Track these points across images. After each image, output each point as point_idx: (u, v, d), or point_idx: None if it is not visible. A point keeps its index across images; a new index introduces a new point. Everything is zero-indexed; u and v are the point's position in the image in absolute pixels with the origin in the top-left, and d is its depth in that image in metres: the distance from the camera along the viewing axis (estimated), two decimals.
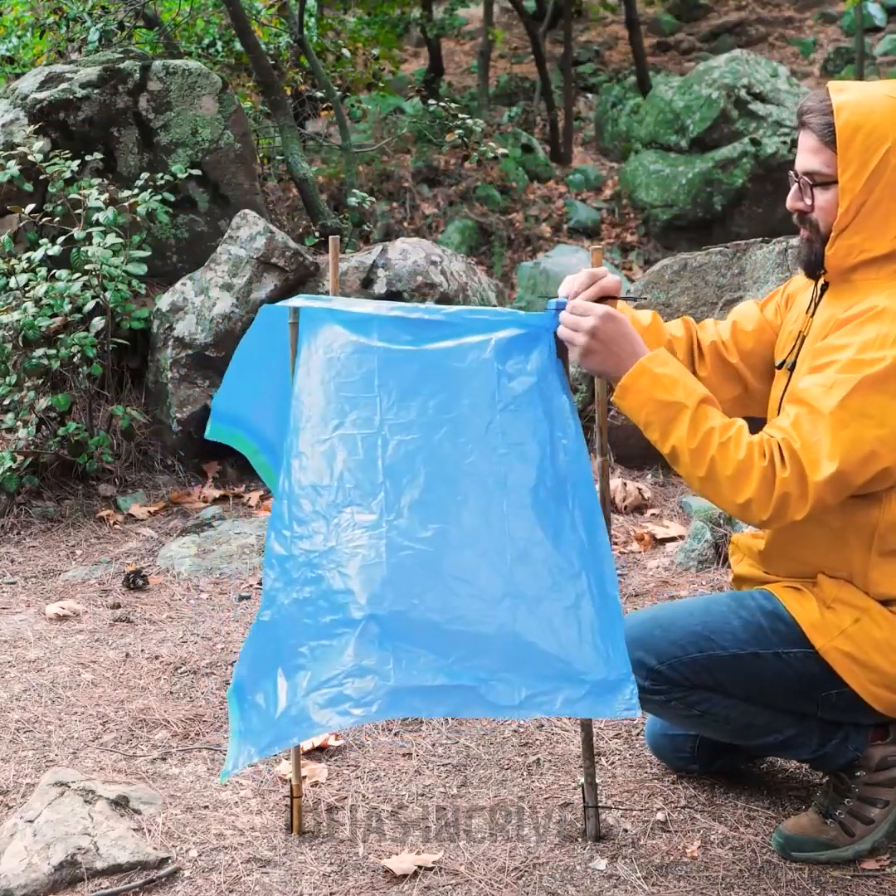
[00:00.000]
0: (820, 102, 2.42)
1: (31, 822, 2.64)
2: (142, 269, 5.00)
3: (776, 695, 2.50)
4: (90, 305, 4.80)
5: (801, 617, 2.47)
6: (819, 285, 2.56)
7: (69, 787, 2.72)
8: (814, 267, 2.51)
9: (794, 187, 2.48)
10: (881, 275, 2.42)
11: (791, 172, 2.50)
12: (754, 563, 2.64)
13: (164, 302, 5.24)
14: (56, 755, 3.04)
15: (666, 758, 2.88)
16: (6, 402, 4.88)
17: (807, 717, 2.54)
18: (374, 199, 7.83)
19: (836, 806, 2.56)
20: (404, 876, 2.51)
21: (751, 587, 2.62)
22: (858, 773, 2.57)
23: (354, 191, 6.94)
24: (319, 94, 8.00)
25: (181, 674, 3.49)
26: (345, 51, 9.99)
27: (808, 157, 2.43)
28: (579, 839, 2.62)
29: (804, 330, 2.55)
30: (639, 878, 2.48)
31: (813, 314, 2.54)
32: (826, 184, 2.42)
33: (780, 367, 2.61)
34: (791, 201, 2.50)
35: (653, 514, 4.64)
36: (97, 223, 4.99)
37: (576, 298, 2.40)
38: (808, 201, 2.45)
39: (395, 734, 3.10)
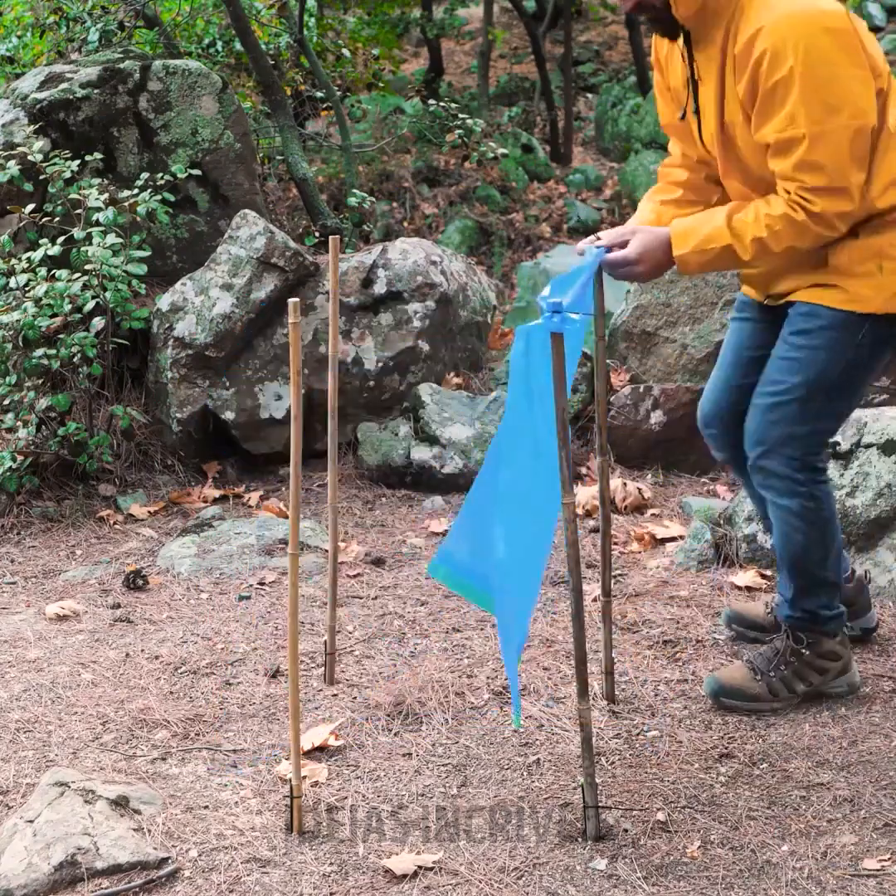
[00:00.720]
0: None
1: (31, 822, 2.64)
2: (142, 269, 5.00)
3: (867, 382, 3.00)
4: (90, 305, 4.80)
5: (842, 304, 2.87)
6: (682, 39, 2.91)
7: (69, 787, 2.72)
8: (673, 29, 2.88)
9: None
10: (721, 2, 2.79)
11: None
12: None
13: (164, 302, 5.24)
14: (56, 755, 3.04)
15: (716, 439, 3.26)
16: (6, 402, 4.88)
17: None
18: (374, 199, 7.83)
19: (773, 669, 3.03)
20: (404, 876, 2.51)
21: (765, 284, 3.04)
22: (805, 651, 3.05)
23: (354, 191, 6.93)
24: (319, 94, 7.99)
25: (181, 674, 3.49)
26: (345, 51, 9.99)
27: None
28: (579, 839, 2.62)
29: (697, 76, 2.89)
30: (639, 878, 2.48)
31: (692, 60, 2.90)
32: None
33: (683, 117, 2.98)
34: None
35: (653, 514, 4.64)
36: (97, 223, 4.99)
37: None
38: None
39: (395, 734, 3.10)
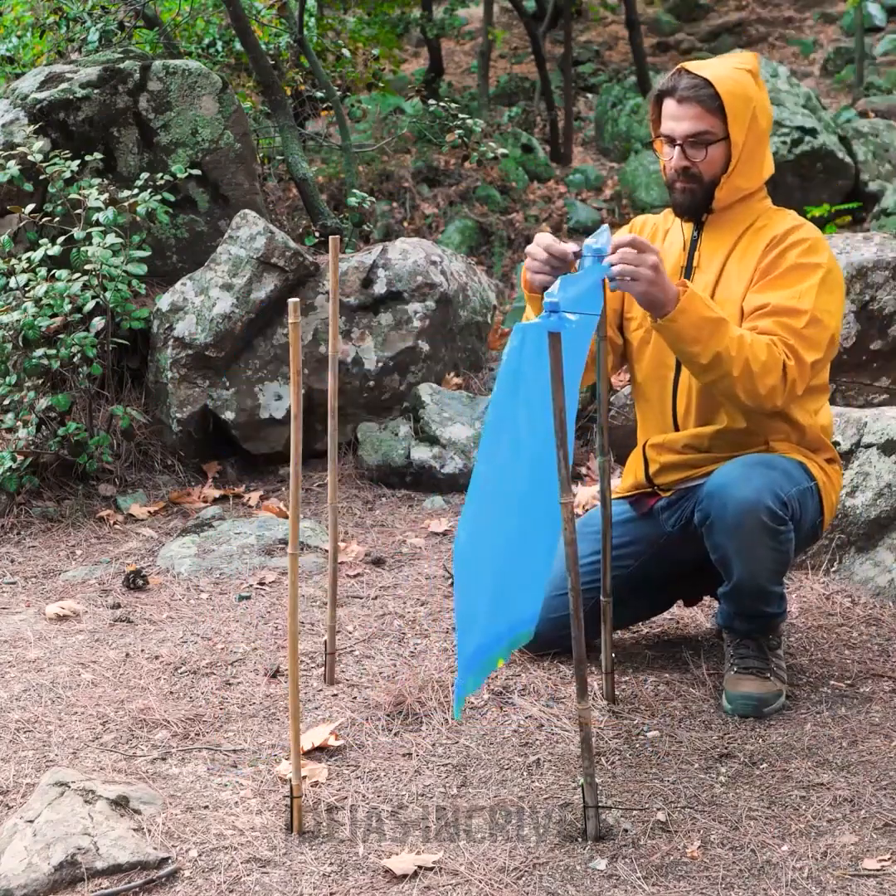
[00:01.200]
0: (692, 79, 3.02)
1: (31, 822, 2.64)
2: (142, 269, 5.00)
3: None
4: (90, 305, 4.79)
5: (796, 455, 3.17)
6: (692, 226, 3.17)
7: (69, 787, 2.72)
8: (699, 210, 3.13)
9: (678, 149, 3.05)
10: (752, 203, 3.14)
11: (660, 138, 3.09)
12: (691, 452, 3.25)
13: (164, 302, 5.24)
14: (56, 755, 3.04)
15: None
16: (6, 402, 4.88)
17: None
18: (374, 199, 7.82)
19: (769, 662, 3.16)
20: (404, 876, 2.51)
21: (680, 473, 3.31)
22: (771, 637, 3.20)
23: (354, 191, 6.92)
24: (319, 94, 7.98)
25: (181, 674, 3.49)
26: (345, 51, 9.98)
27: (693, 123, 3.03)
28: (579, 839, 2.62)
29: (696, 263, 3.14)
30: (639, 878, 2.48)
31: (694, 250, 3.15)
32: (713, 142, 3.04)
33: None
34: (679, 161, 3.06)
35: None
36: (97, 223, 4.99)
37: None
38: (700, 157, 3.04)
39: (395, 734, 3.10)
